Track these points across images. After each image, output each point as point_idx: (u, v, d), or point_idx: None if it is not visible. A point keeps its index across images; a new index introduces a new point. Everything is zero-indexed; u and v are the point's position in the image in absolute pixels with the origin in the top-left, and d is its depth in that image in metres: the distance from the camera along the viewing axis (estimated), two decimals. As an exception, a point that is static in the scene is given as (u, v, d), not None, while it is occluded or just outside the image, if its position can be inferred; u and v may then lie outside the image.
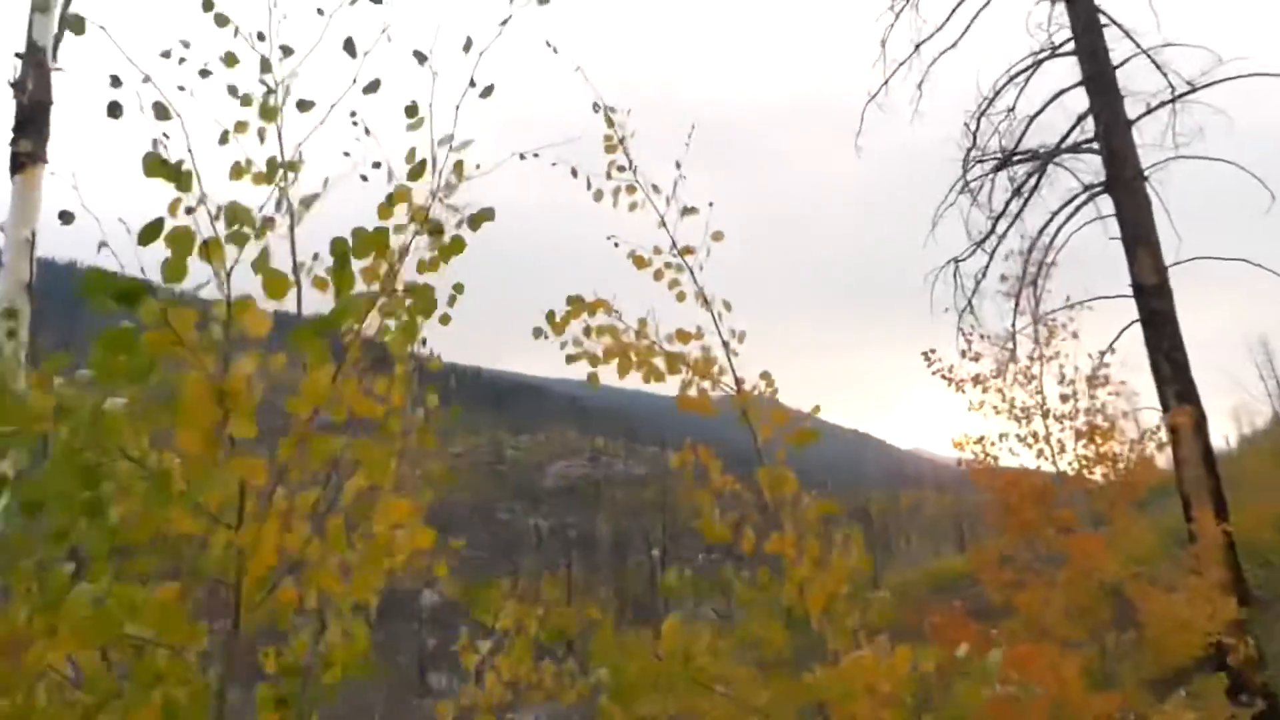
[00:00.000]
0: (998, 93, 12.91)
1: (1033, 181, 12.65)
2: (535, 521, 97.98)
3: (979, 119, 12.87)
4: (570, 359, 3.09)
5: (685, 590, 3.10)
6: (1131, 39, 12.37)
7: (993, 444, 7.91)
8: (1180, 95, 12.00)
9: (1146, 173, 11.83)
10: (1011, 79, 12.87)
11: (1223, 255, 11.62)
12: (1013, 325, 12.28)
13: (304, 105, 2.38)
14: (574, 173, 2.99)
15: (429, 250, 2.28)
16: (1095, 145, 12.09)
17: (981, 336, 8.51)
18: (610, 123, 3.01)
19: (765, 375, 3.18)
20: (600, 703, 2.89)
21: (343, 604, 2.60)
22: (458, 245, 2.27)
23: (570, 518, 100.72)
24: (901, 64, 13.53)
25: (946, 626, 6.32)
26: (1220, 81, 11.72)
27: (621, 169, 3.07)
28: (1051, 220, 12.25)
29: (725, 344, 3.16)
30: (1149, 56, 12.23)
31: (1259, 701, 9.90)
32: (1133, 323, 11.46)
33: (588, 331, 3.01)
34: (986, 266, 12.51)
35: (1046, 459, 7.82)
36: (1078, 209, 12.19)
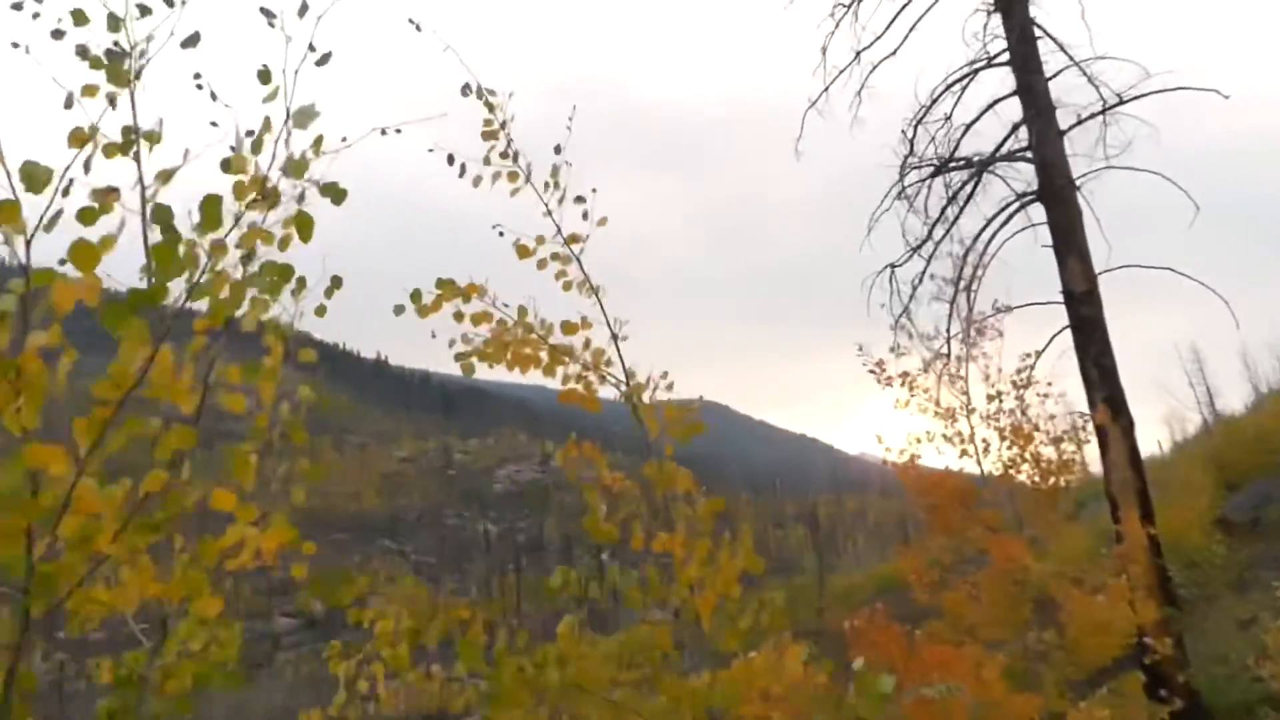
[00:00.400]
0: (935, 101, 13.05)
1: (968, 189, 12.78)
2: (484, 526, 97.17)
3: (916, 126, 12.98)
4: (459, 356, 2.95)
5: (573, 590, 2.98)
6: (1065, 51, 12.57)
7: (918, 442, 7.91)
8: (1110, 107, 12.20)
9: (1078, 182, 12.01)
10: (948, 87, 13.01)
11: (1150, 264, 11.84)
12: (947, 330, 12.42)
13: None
14: (450, 160, 2.86)
15: (283, 227, 2.13)
16: (1029, 154, 12.26)
17: (911, 335, 8.49)
18: (490, 108, 2.89)
19: (663, 378, 3.07)
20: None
21: (198, 609, 2.43)
22: (305, 221, 2.12)
23: (519, 522, 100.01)
24: (842, 71, 13.60)
25: (867, 630, 6.26)
26: (1148, 94, 11.95)
27: (504, 155, 2.94)
28: (986, 227, 12.40)
29: (614, 335, 3.06)
30: (1081, 69, 12.43)
31: (1177, 700, 10.07)
32: (1064, 329, 11.62)
33: (459, 317, 2.87)
34: (923, 272, 12.62)
35: (971, 459, 7.83)
36: (1010, 216, 12.34)
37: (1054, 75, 12.51)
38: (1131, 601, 6.86)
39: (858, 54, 13.54)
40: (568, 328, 3.02)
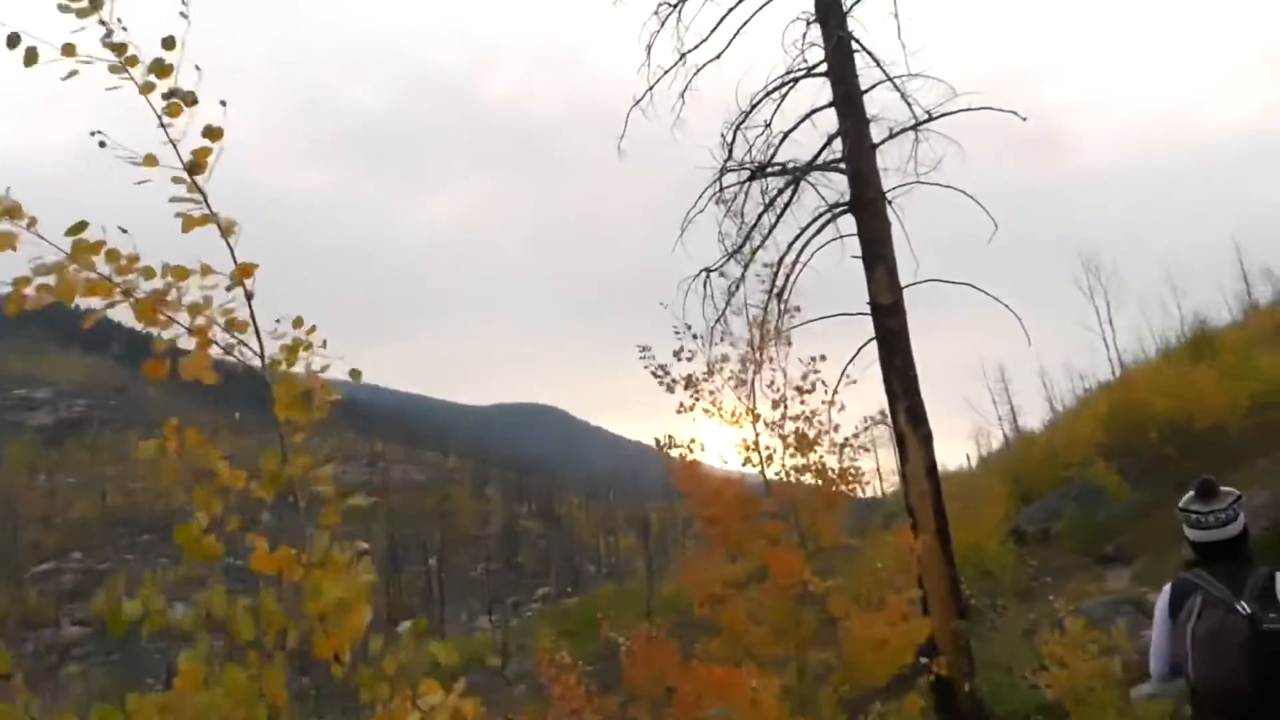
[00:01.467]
0: (754, 106, 12.89)
1: (784, 197, 12.68)
2: (307, 529, 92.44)
3: (736, 131, 12.78)
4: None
5: (155, 622, 2.31)
6: (880, 66, 12.67)
7: (701, 449, 7.49)
8: (920, 123, 12.38)
9: (888, 195, 12.12)
10: (768, 94, 12.89)
11: (951, 279, 12.06)
12: (758, 336, 12.27)
13: None
14: (12, 40, 2.14)
15: None
16: (842, 165, 12.28)
17: (695, 337, 8.03)
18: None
19: (299, 324, 2.45)
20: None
21: None
22: None
23: (344, 525, 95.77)
24: (667, 72, 13.28)
25: (643, 651, 5.84)
26: (955, 112, 12.18)
27: (110, 46, 2.24)
28: (799, 236, 12.32)
29: (248, 294, 2.42)
30: (894, 84, 12.55)
31: (960, 710, 10.19)
32: (870, 340, 11.67)
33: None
34: (740, 278, 12.41)
35: (754, 466, 7.50)
36: (823, 226, 12.32)
37: (869, 89, 12.60)
38: (906, 616, 6.63)
39: (682, 55, 13.26)
40: (178, 272, 2.35)
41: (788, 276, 12.03)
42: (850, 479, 7.31)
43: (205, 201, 2.37)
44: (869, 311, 11.76)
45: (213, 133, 2.31)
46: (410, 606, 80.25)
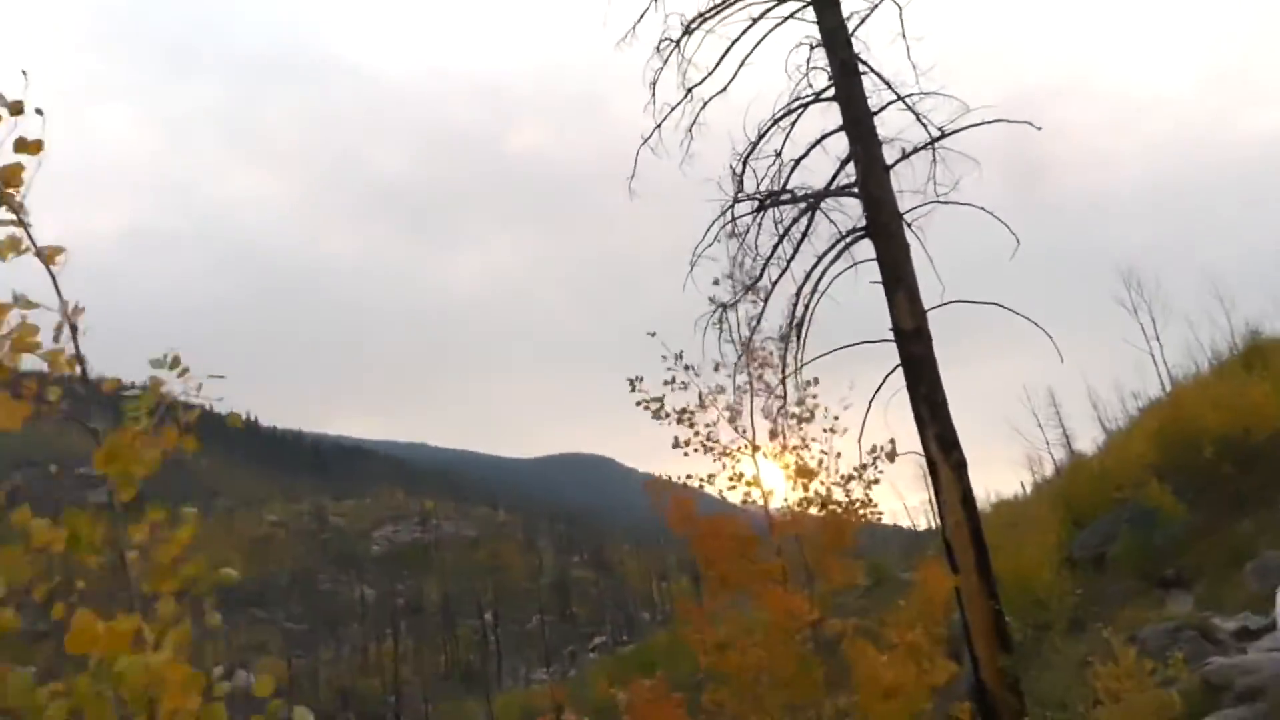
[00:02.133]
0: (763, 136, 12.65)
1: (801, 225, 12.39)
2: (360, 590, 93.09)
3: (745, 163, 12.54)
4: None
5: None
6: (890, 87, 12.42)
7: (700, 485, 7.08)
8: (934, 140, 12.06)
9: (906, 217, 11.79)
10: (776, 122, 12.67)
11: (976, 300, 11.63)
12: (782, 371, 11.95)
13: None
14: None
15: None
16: (856, 190, 11.97)
17: (687, 367, 7.53)
18: None
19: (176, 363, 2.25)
20: None
21: None
22: None
23: (398, 584, 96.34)
24: (674, 109, 13.13)
25: (644, 706, 5.46)
26: (970, 127, 11.83)
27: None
28: (817, 264, 11.98)
29: (71, 325, 2.22)
30: (905, 103, 12.27)
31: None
32: (896, 367, 11.28)
33: None
34: (760, 314, 12.08)
35: (752, 503, 7.08)
36: (839, 254, 11.98)
37: (879, 110, 12.32)
38: (923, 657, 6.05)
39: (689, 91, 13.11)
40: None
41: (806, 307, 11.69)
42: (858, 511, 6.86)
43: (22, 222, 2.16)
44: (892, 338, 11.37)
45: (30, 146, 2.11)
46: (468, 662, 79.89)
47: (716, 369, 6.90)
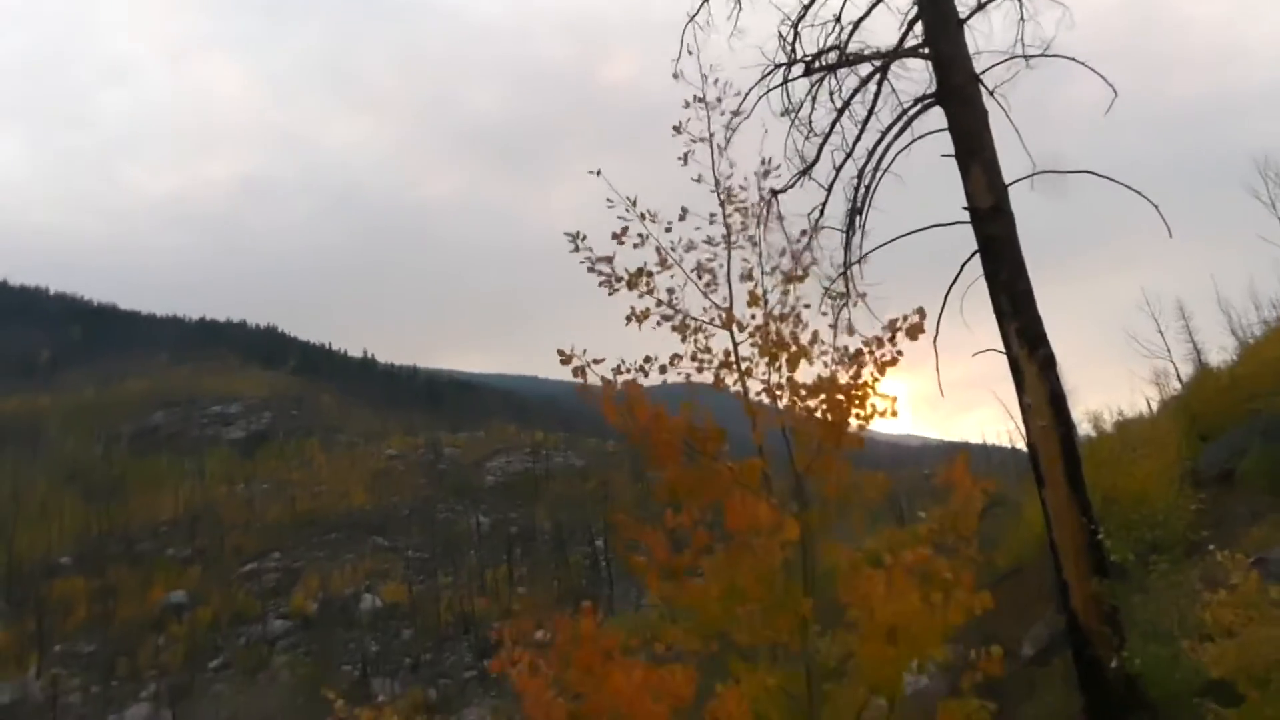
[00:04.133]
0: (817, -4, 11.13)
1: (868, 95, 10.91)
2: (476, 519, 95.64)
3: (795, 28, 11.08)
4: None
5: None
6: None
7: (661, 368, 5.34)
8: (1016, -15, 10.45)
9: (983, 78, 10.25)
10: (831, -22, 11.18)
11: (1066, 169, 10.07)
12: (844, 261, 10.76)
13: None
14: None
15: None
16: (925, 50, 10.47)
17: (644, 215, 5.42)
18: None
19: None
20: None
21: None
22: None
23: (511, 513, 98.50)
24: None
25: (566, 647, 4.19)
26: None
27: None
28: (883, 139, 10.59)
29: None
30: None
31: (1109, 690, 8.51)
32: (974, 254, 9.96)
33: None
34: (824, 203, 10.83)
35: (726, 389, 5.40)
36: (907, 124, 10.52)
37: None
38: (933, 587, 4.58)
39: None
40: None
41: (867, 188, 10.39)
42: (865, 399, 5.09)
43: None
44: (967, 219, 9.99)
45: None
46: (580, 586, 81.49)
47: (683, 216, 5.44)
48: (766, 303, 5.21)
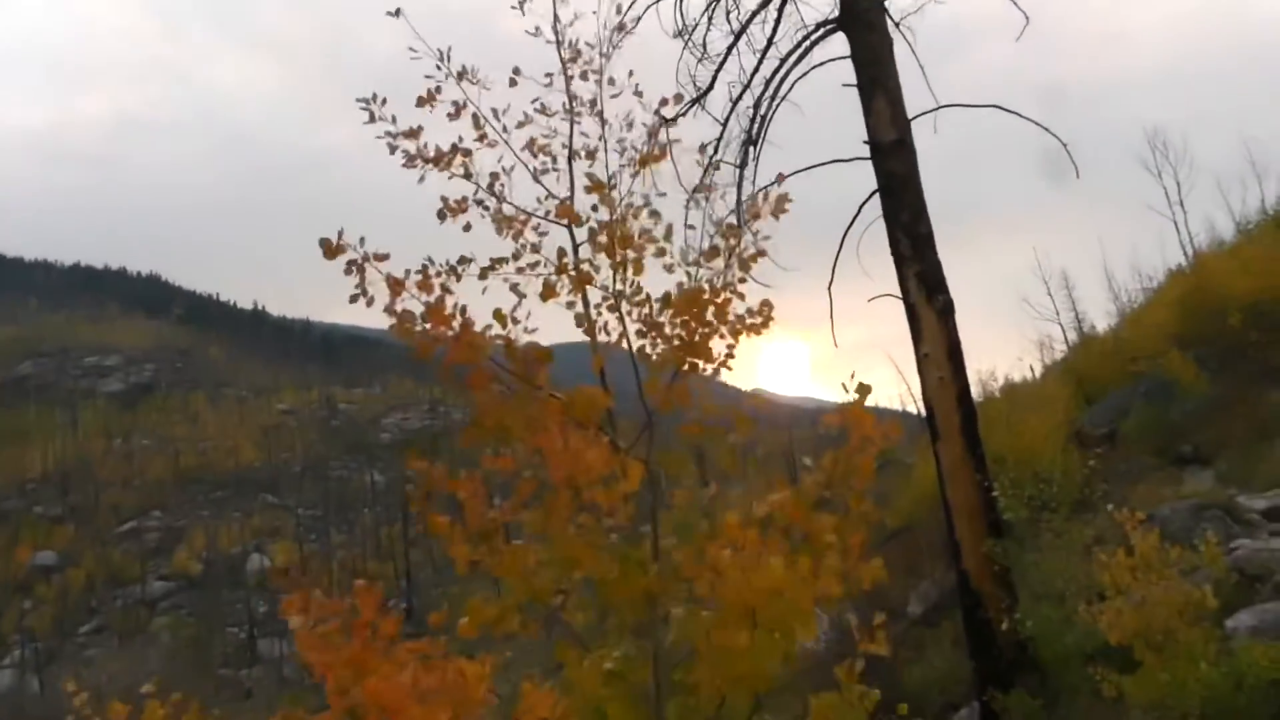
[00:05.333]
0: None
1: (764, 20, 10.26)
2: (371, 476, 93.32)
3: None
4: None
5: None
6: None
7: (482, 272, 4.10)
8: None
9: (889, 7, 9.73)
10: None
11: (972, 103, 9.71)
12: (737, 194, 10.21)
13: None
14: None
15: None
16: (829, -28, 9.90)
17: (462, 73, 4.30)
18: None
19: None
20: None
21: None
22: None
23: (407, 471, 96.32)
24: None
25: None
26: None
27: None
28: (781, 65, 10.01)
29: None
30: None
31: (1001, 653, 8.32)
32: (873, 194, 9.50)
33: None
34: (721, 136, 10.16)
35: (563, 298, 4.09)
36: (808, 49, 9.95)
37: None
38: (803, 551, 3.48)
39: None
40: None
41: (763, 117, 9.81)
42: (722, 312, 3.95)
43: None
44: (867, 155, 9.49)
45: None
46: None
47: (514, 83, 4.24)
48: (615, 189, 4.17)
